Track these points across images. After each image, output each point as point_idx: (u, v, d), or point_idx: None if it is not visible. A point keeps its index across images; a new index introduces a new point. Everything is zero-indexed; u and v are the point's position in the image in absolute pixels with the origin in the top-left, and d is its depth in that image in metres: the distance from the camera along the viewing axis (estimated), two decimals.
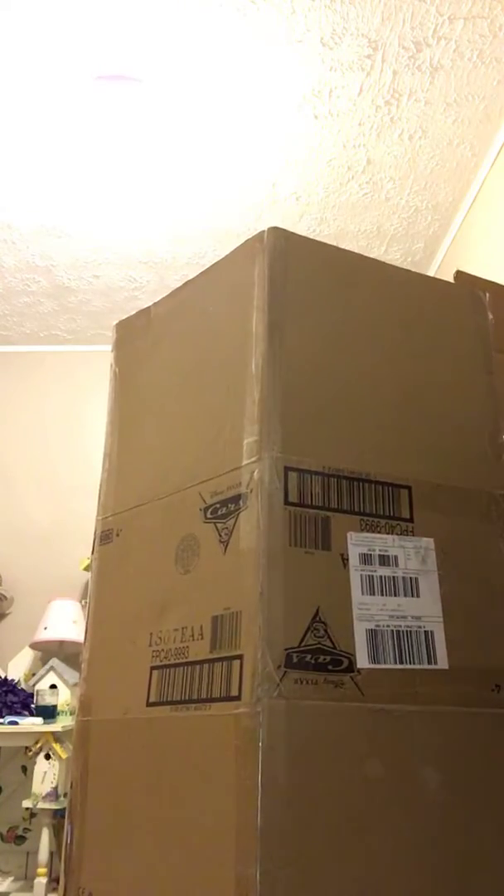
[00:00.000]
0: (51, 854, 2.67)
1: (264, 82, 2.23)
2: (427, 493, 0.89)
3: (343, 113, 2.34)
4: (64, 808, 2.36)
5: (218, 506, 0.85)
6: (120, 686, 0.90)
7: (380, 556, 0.84)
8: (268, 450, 0.82)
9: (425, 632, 0.83)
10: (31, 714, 2.79)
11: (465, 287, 1.06)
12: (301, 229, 2.84)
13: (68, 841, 0.90)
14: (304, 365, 0.89)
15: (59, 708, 2.81)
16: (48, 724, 2.71)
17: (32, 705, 2.82)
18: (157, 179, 2.63)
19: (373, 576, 0.83)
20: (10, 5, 1.98)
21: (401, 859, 0.73)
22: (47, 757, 2.70)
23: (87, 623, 1.01)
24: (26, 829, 2.99)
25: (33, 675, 3.04)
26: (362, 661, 0.78)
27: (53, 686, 2.88)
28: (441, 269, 2.97)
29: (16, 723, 2.69)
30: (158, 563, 0.91)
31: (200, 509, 0.87)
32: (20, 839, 2.99)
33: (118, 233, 2.92)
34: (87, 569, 3.10)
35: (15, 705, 2.83)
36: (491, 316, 1.03)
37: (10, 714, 2.78)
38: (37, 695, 2.81)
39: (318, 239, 2.38)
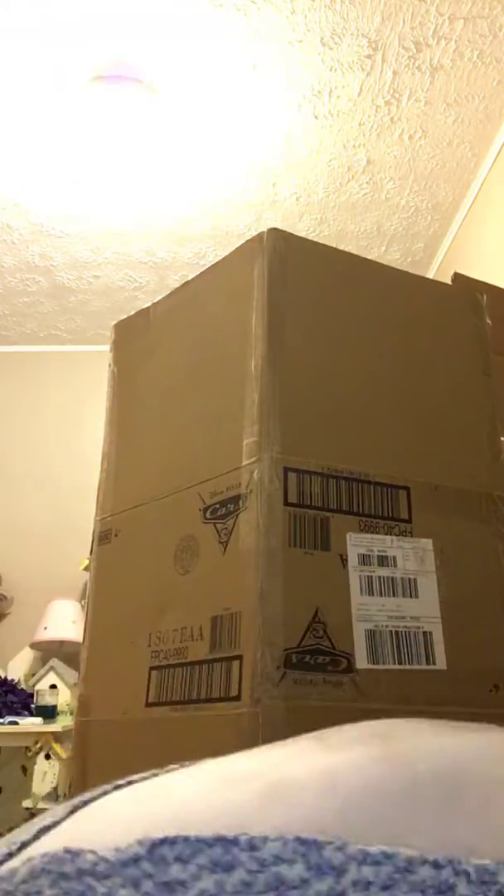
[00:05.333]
0: None
1: (264, 82, 2.23)
2: (425, 493, 0.90)
3: (343, 113, 2.34)
4: None
5: (217, 506, 0.85)
6: (119, 686, 0.90)
7: (378, 556, 0.84)
8: (267, 450, 0.82)
9: (424, 632, 0.83)
10: (31, 714, 2.79)
11: (464, 289, 1.06)
12: (301, 229, 2.84)
13: None
14: (304, 366, 0.89)
15: (59, 708, 2.81)
16: (48, 724, 2.72)
17: (32, 705, 2.83)
18: (156, 179, 2.63)
19: (371, 576, 0.83)
20: (9, 6, 1.98)
21: None
22: (47, 757, 2.70)
23: (85, 623, 1.01)
24: None
25: (33, 675, 3.05)
26: (361, 661, 0.78)
27: (53, 686, 2.89)
28: (441, 269, 2.98)
29: (16, 723, 2.69)
30: (157, 563, 0.91)
31: (200, 510, 0.87)
32: None
33: (118, 232, 2.92)
34: (87, 569, 3.11)
35: (15, 705, 2.83)
36: (489, 318, 1.03)
37: (10, 714, 2.79)
38: (37, 695, 2.82)
39: (318, 239, 2.38)
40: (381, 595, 0.82)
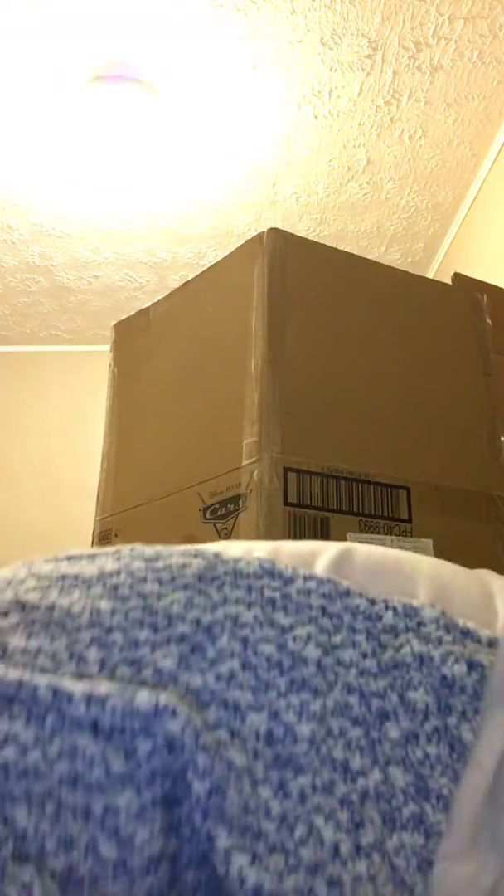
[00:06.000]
0: None
1: (264, 82, 2.23)
2: (425, 494, 0.89)
3: (343, 113, 2.34)
4: None
5: (217, 506, 0.85)
6: None
7: None
8: (267, 450, 0.82)
9: None
10: None
11: (464, 289, 1.06)
12: (301, 229, 2.84)
13: None
14: (304, 366, 0.89)
15: None
16: None
17: None
18: (156, 179, 2.63)
19: None
20: (9, 6, 1.98)
21: None
22: None
23: None
24: None
25: None
26: None
27: None
28: (441, 269, 2.98)
29: None
30: None
31: (200, 510, 0.87)
32: None
33: (118, 232, 2.92)
34: None
35: None
36: (489, 318, 1.03)
37: None
38: None
39: (318, 239, 2.38)
40: None
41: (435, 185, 2.63)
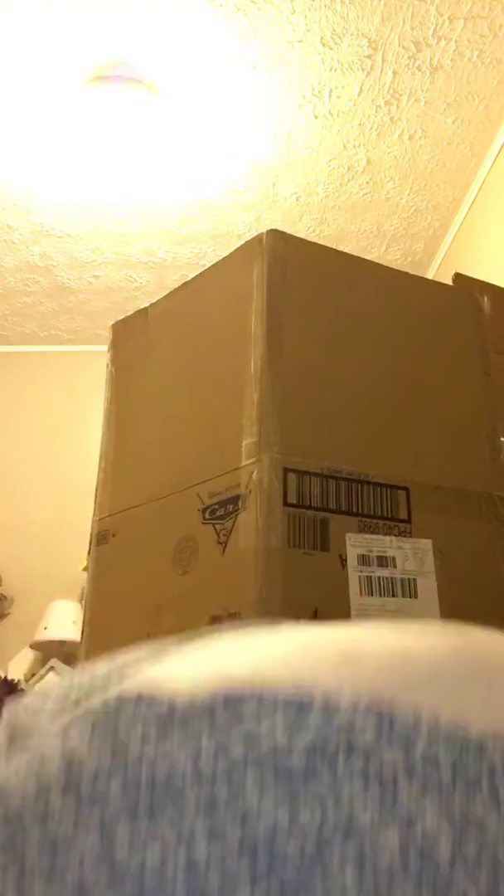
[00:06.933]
0: None
1: (264, 82, 2.23)
2: (425, 494, 0.89)
3: (343, 113, 2.34)
4: None
5: (216, 507, 0.85)
6: None
7: (378, 557, 0.84)
8: (267, 451, 0.82)
9: None
10: None
11: (464, 289, 1.06)
12: (301, 229, 2.83)
13: None
14: (303, 366, 0.89)
15: None
16: None
17: None
18: (156, 179, 2.63)
19: (371, 577, 0.82)
20: (9, 6, 1.98)
21: None
22: None
23: (83, 625, 1.01)
24: None
25: (33, 675, 3.04)
26: None
27: None
28: (441, 269, 2.97)
29: None
30: (156, 564, 0.91)
31: (199, 510, 0.87)
32: None
33: (118, 232, 2.92)
34: (86, 570, 3.09)
35: None
36: (489, 318, 1.03)
37: None
38: None
39: (317, 239, 2.38)
40: (380, 595, 0.82)
41: (435, 185, 2.63)
